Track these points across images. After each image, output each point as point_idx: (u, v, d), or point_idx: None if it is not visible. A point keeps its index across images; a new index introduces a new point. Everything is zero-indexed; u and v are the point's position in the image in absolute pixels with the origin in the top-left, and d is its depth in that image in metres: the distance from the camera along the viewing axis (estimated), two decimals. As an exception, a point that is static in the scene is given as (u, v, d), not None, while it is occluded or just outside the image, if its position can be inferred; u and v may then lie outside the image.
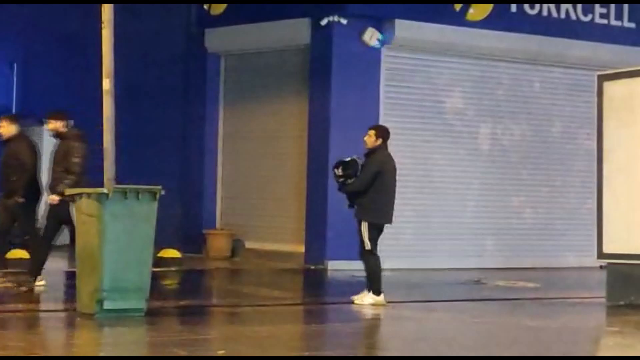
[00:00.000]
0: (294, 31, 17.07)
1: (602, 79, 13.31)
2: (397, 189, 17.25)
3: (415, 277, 15.78)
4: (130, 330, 10.06)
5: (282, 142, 17.64)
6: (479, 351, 9.54)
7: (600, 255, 13.13)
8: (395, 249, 16.88)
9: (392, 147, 16.99)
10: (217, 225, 18.50)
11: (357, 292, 12.48)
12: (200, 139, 18.58)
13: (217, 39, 18.34)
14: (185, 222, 18.47)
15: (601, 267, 13.28)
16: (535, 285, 15.05)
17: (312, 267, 16.46)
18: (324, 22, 16.63)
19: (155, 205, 10.62)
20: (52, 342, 9.66)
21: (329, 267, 16.33)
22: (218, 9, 18.28)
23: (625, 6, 18.86)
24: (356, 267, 16.20)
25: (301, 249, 16.90)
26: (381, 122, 16.92)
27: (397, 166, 17.15)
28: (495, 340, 10.34)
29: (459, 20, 17.29)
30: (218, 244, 17.98)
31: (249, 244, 17.93)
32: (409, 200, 17.15)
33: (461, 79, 17.70)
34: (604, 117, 13.18)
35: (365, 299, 12.08)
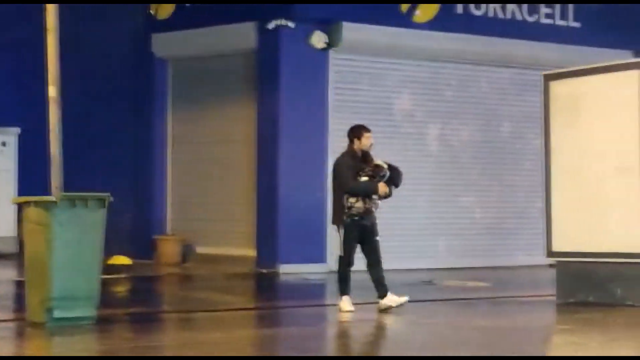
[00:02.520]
0: (241, 35, 17.04)
1: (548, 78, 13.42)
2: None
3: (366, 278, 15.79)
4: (81, 339, 9.97)
5: (231, 146, 17.60)
6: (430, 352, 9.57)
7: (550, 253, 13.23)
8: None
9: (342, 149, 17.10)
10: (167, 230, 18.41)
11: (309, 296, 12.48)
12: (148, 144, 18.49)
13: (164, 44, 18.26)
14: (135, 228, 18.36)
15: (551, 265, 13.38)
16: (486, 285, 15.13)
17: (264, 271, 16.43)
18: (270, 25, 16.62)
19: (103, 212, 10.55)
20: (1, 352, 9.54)
21: (281, 271, 16.31)
22: (164, 14, 18.20)
23: (570, 6, 19.06)
24: (308, 270, 16.26)
25: (252, 253, 16.86)
26: (330, 124, 16.98)
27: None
28: (446, 341, 10.38)
29: (406, 22, 17.37)
30: (168, 249, 17.89)
31: (199, 249, 17.86)
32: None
33: (409, 80, 17.77)
34: (550, 116, 13.29)
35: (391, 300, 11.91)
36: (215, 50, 17.58)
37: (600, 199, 12.70)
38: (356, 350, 9.97)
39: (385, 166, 11.85)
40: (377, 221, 11.96)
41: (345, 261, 11.86)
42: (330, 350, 10.15)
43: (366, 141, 11.94)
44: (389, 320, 11.53)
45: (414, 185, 17.84)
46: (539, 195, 14.97)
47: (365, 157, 11.92)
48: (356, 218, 11.74)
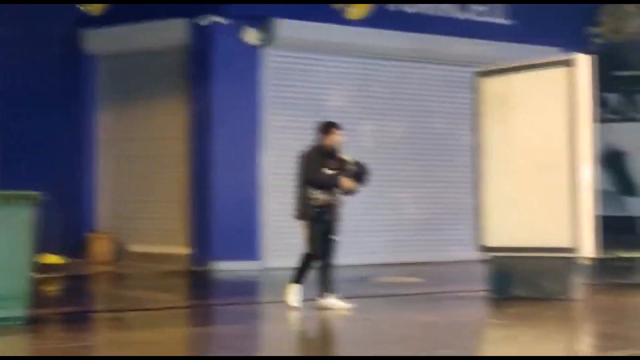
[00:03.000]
0: (174, 31, 16.92)
1: (479, 75, 13.52)
2: (282, 188, 17.37)
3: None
4: (12, 340, 9.82)
5: (163, 143, 17.48)
6: (368, 349, 9.59)
7: (481, 248, 13.34)
8: (282, 247, 16.89)
9: (276, 146, 17.11)
10: (100, 229, 18.24)
11: (243, 294, 12.40)
12: (79, 142, 18.28)
13: (94, 40, 18.07)
14: (66, 227, 18.13)
15: (482, 260, 13.47)
16: (421, 280, 15.20)
17: (198, 269, 16.34)
18: (203, 22, 16.53)
19: (34, 211, 10.41)
20: None
21: (215, 269, 16.24)
22: (95, 9, 18.01)
23: (501, 4, 19.22)
24: (242, 268, 16.22)
25: (186, 250, 16.77)
26: (264, 121, 16.94)
27: (282, 165, 17.26)
28: (383, 337, 10.40)
29: (339, 18, 17.39)
30: (101, 248, 17.73)
31: (132, 247, 17.72)
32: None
33: (343, 77, 17.81)
34: (481, 113, 13.40)
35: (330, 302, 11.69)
36: (147, 46, 17.43)
37: (530, 194, 12.83)
38: (291, 348, 9.93)
39: (352, 161, 11.80)
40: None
41: (313, 257, 11.65)
42: (265, 349, 10.12)
43: (336, 138, 11.81)
44: (326, 317, 11.52)
45: (347, 182, 17.87)
46: (469, 191, 15.05)
47: (333, 154, 11.81)
48: (318, 210, 11.60)
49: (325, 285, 11.76)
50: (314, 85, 17.52)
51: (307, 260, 11.79)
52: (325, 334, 10.72)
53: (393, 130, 18.41)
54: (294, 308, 11.65)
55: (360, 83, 18.03)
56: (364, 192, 17.86)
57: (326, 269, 11.78)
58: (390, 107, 18.36)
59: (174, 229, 17.17)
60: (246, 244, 16.57)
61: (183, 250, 16.82)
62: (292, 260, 17.04)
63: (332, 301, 11.75)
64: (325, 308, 11.65)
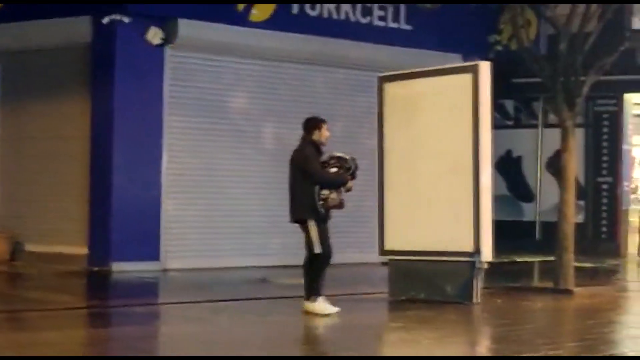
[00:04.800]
0: (75, 29, 16.70)
1: (383, 80, 13.67)
2: (182, 189, 17.27)
3: (202, 277, 15.75)
4: None
5: (64, 142, 17.24)
6: (269, 350, 9.62)
7: (382, 251, 13.48)
8: (182, 249, 16.82)
9: (178, 146, 17.02)
10: (-4, 227, 17.93)
11: (143, 295, 12.27)
12: (-24, 140, 17.94)
13: (-7, 36, 17.74)
14: (-39, 226, 17.79)
15: (383, 263, 13.63)
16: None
17: (97, 270, 16.16)
18: (105, 20, 16.34)
19: None
20: None
21: (114, 269, 16.08)
22: (-8, 5, 17.69)
23: (402, 9, 19.41)
24: (141, 269, 16.09)
25: (84, 251, 16.56)
26: (165, 121, 16.83)
27: (183, 166, 17.18)
28: (284, 339, 10.44)
29: (243, 20, 17.37)
30: (-4, 247, 17.42)
31: (29, 247, 17.43)
32: (194, 200, 17.12)
33: (246, 78, 17.79)
34: (384, 117, 13.55)
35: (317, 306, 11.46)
36: (48, 44, 17.15)
37: (431, 198, 13.01)
38: (185, 349, 9.90)
39: (349, 157, 11.72)
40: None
41: (327, 256, 11.51)
42: (164, 350, 10.08)
43: (325, 132, 11.70)
44: (224, 319, 11.52)
45: (249, 183, 17.87)
46: (370, 194, 15.18)
47: (321, 150, 11.68)
48: (329, 210, 11.45)
49: (313, 288, 11.53)
50: (217, 87, 17.47)
51: (322, 263, 11.58)
52: (220, 335, 10.69)
53: (295, 132, 18.39)
54: (335, 312, 11.45)
55: (262, 85, 18.03)
56: (265, 194, 17.97)
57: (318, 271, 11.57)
58: (292, 110, 18.38)
59: (73, 229, 16.94)
60: (145, 244, 16.44)
61: (82, 250, 16.60)
62: (191, 261, 17.04)
63: (320, 305, 11.54)
64: (311, 312, 11.43)
